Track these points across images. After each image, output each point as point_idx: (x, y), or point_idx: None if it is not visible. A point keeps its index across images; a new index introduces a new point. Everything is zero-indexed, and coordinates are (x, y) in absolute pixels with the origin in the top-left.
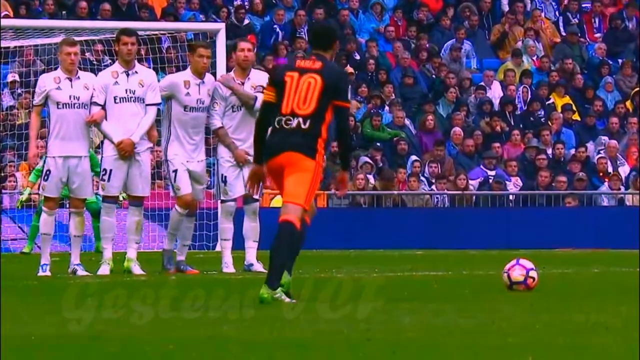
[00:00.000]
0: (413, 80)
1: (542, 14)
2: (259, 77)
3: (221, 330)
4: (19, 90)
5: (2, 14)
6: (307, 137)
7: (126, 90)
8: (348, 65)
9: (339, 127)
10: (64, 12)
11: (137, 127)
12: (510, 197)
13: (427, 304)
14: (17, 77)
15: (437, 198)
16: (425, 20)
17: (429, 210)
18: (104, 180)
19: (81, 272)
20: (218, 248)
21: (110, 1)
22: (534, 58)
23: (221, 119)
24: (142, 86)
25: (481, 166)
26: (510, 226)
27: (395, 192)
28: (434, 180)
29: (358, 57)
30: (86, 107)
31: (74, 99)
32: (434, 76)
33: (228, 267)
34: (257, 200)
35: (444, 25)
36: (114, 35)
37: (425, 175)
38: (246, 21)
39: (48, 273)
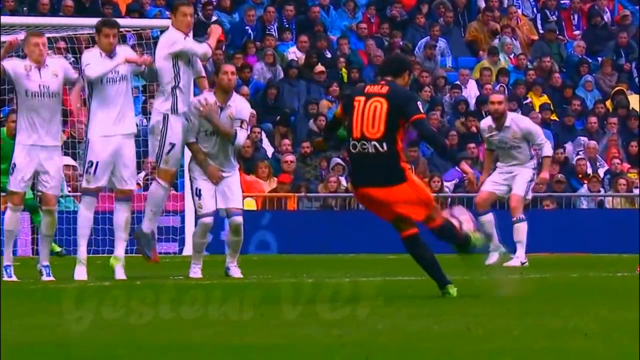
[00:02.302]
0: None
1: (519, 11)
2: (241, 108)
3: (190, 335)
4: None
5: None
6: (389, 161)
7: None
8: (319, 64)
9: (424, 139)
10: (25, 8)
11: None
12: None
13: (402, 309)
14: None
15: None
16: (398, 17)
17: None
18: (89, 173)
19: (46, 276)
20: (185, 252)
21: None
22: (511, 56)
23: (194, 135)
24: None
25: (456, 167)
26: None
27: None
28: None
29: (329, 55)
30: (56, 95)
31: (44, 87)
32: None
33: (196, 273)
34: (240, 214)
35: (418, 22)
36: (76, 33)
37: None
38: (214, 18)
39: (14, 277)
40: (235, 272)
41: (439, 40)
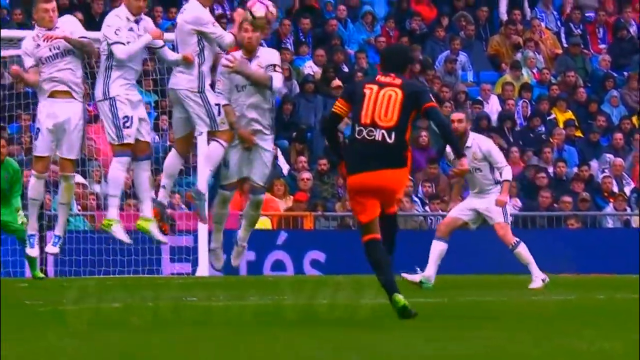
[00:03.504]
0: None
1: (543, 24)
2: (268, 55)
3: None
4: None
5: None
6: (394, 151)
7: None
8: (336, 79)
9: (437, 125)
10: (34, 22)
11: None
12: (509, 218)
13: (418, 331)
14: None
15: (431, 219)
16: (418, 30)
17: (423, 233)
18: (128, 127)
19: (52, 246)
20: (198, 273)
21: (83, 11)
22: (534, 70)
23: (226, 96)
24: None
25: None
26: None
27: None
28: (427, 201)
29: (347, 70)
30: (69, 53)
31: (55, 49)
32: (427, 89)
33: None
34: (262, 192)
35: (438, 35)
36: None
37: (418, 195)
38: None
39: (35, 249)
40: (237, 259)
41: (459, 54)
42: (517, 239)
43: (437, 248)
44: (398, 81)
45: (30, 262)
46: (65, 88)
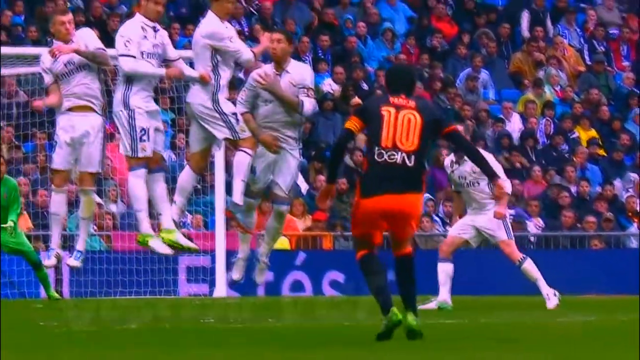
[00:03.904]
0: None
1: (566, 41)
2: (300, 73)
3: None
4: (1, 124)
5: None
6: (414, 175)
7: None
8: (355, 96)
9: (464, 150)
10: (49, 38)
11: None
12: (531, 238)
13: (436, 353)
14: None
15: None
16: (439, 47)
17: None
18: (144, 140)
19: (74, 260)
20: (216, 294)
21: (99, 28)
22: (557, 88)
23: (246, 105)
24: None
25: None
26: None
27: None
28: (448, 221)
29: (366, 87)
30: (84, 68)
31: (70, 64)
32: (448, 107)
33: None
34: (286, 203)
35: (460, 53)
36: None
37: (439, 215)
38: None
39: (53, 260)
40: (261, 276)
41: (481, 72)
42: (524, 255)
43: (444, 270)
44: (412, 103)
45: (43, 282)
46: (83, 102)
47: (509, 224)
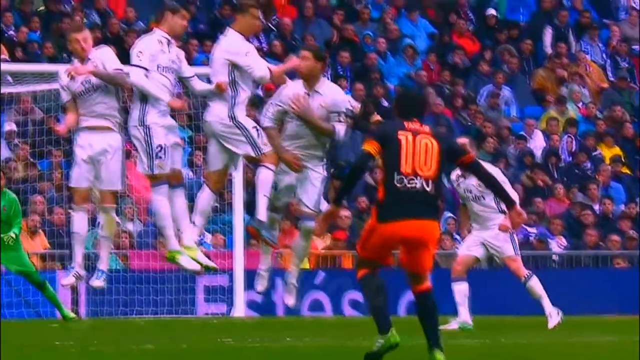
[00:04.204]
0: (447, 129)
1: (589, 57)
2: (333, 96)
3: None
4: (16, 141)
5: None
6: (434, 201)
7: None
8: (375, 113)
9: (483, 179)
10: (65, 55)
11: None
12: (554, 257)
13: None
14: (14, 127)
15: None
16: (460, 64)
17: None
18: (160, 158)
19: (96, 280)
20: (234, 313)
21: (116, 45)
22: (580, 105)
23: (272, 121)
24: None
25: (522, 224)
26: (554, 289)
27: None
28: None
29: (387, 104)
30: (101, 86)
31: (87, 83)
32: (470, 125)
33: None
34: (313, 219)
35: (481, 69)
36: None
37: (459, 233)
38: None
39: (71, 280)
40: (289, 297)
41: (503, 89)
42: (529, 272)
43: (459, 290)
44: (427, 129)
45: (53, 301)
46: (101, 121)
47: (516, 240)
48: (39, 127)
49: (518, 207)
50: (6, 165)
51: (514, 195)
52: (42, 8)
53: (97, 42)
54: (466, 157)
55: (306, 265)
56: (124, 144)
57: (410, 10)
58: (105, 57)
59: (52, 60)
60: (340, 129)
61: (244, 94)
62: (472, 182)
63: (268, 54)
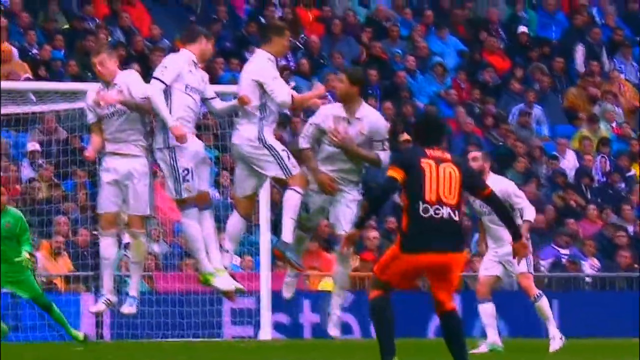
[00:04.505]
0: (477, 148)
1: (622, 76)
2: (373, 123)
3: None
4: (40, 161)
5: (23, 77)
6: (459, 230)
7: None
8: (404, 132)
9: (499, 209)
10: (89, 73)
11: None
12: (587, 279)
13: None
14: (37, 147)
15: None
16: (491, 82)
17: (496, 294)
18: (188, 181)
19: (128, 306)
20: (261, 336)
21: (140, 63)
22: (613, 124)
23: (309, 141)
24: None
25: (553, 245)
26: (587, 312)
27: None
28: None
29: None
30: (127, 114)
31: (112, 107)
32: (500, 144)
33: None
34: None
35: (512, 87)
36: None
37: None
38: (292, 83)
39: (101, 306)
40: (334, 329)
41: (534, 107)
42: (540, 292)
43: (486, 311)
44: (448, 156)
45: (60, 322)
46: (126, 147)
47: (531, 258)
48: (62, 146)
49: (524, 239)
50: (29, 185)
51: (531, 212)
52: (66, 26)
53: (121, 60)
54: (485, 191)
55: (330, 287)
56: (151, 168)
57: (439, 27)
58: (131, 83)
59: (76, 78)
60: (383, 155)
61: (272, 115)
62: None
63: (295, 72)
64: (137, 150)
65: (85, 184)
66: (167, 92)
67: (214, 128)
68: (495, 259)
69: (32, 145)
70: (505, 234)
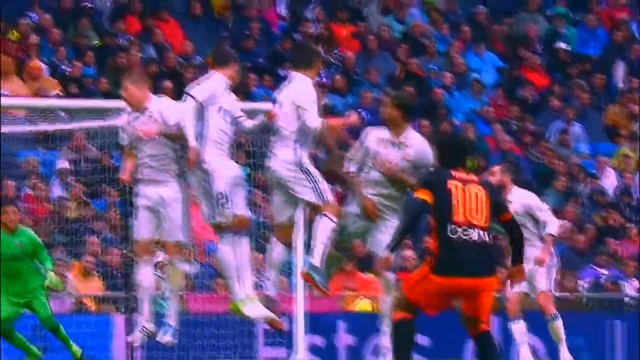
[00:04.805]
0: (515, 167)
1: None
2: (420, 151)
3: None
4: (70, 179)
5: (53, 94)
6: (490, 252)
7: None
8: None
9: (516, 235)
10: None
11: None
12: (628, 300)
13: None
14: (67, 165)
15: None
16: (529, 99)
17: (533, 315)
18: (224, 206)
19: (169, 336)
20: (295, 358)
21: (173, 80)
22: None
23: (357, 164)
24: None
25: (593, 265)
26: (629, 334)
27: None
28: None
29: None
30: (158, 140)
31: (142, 133)
32: (539, 162)
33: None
34: (391, 269)
35: (552, 105)
36: None
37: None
38: (326, 101)
39: (139, 336)
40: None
41: (574, 125)
42: (557, 313)
43: (517, 329)
44: (474, 177)
45: (64, 340)
46: (158, 174)
47: (554, 275)
48: (93, 164)
49: (522, 266)
50: (59, 204)
51: (554, 225)
52: (97, 42)
53: (153, 77)
54: (507, 216)
55: (368, 308)
56: (185, 193)
57: (477, 43)
58: (165, 111)
59: (107, 95)
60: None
61: (310, 138)
62: (513, 208)
63: (330, 89)
64: (168, 176)
65: (116, 203)
66: (201, 112)
67: (247, 145)
68: None
69: (62, 163)
70: (529, 250)
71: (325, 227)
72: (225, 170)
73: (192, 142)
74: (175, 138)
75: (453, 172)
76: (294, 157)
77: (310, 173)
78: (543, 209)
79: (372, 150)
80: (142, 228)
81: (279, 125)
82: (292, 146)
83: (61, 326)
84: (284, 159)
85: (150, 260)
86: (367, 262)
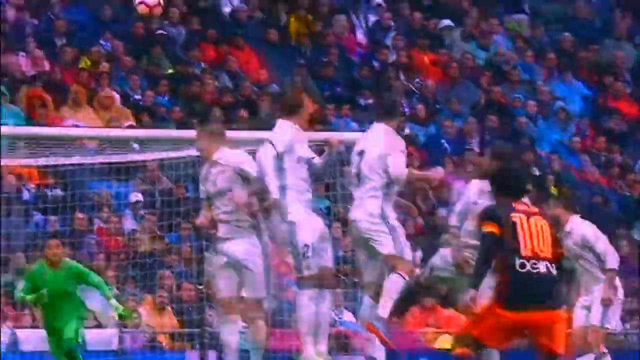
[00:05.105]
0: (602, 199)
1: None
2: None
3: None
4: (142, 212)
5: (125, 124)
6: (558, 286)
7: None
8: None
9: (568, 271)
10: (195, 120)
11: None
12: None
13: None
14: (140, 197)
15: (632, 338)
16: (617, 129)
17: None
18: (307, 257)
19: None
20: None
21: (248, 109)
22: None
23: (459, 219)
24: None
25: None
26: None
27: None
28: (627, 319)
29: (537, 172)
30: (231, 190)
31: (212, 185)
32: (627, 195)
33: None
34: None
35: None
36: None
37: None
38: (407, 131)
39: None
40: None
41: None
42: (606, 351)
43: None
44: (535, 209)
45: None
46: (232, 227)
47: (614, 313)
48: (166, 197)
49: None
50: (132, 237)
51: (614, 259)
52: (170, 70)
53: (228, 107)
54: (559, 250)
55: (449, 345)
56: (263, 246)
57: (562, 71)
58: (244, 165)
59: (181, 125)
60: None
61: (395, 187)
62: (569, 242)
63: (410, 118)
64: (245, 231)
65: (190, 237)
66: (280, 163)
67: (325, 177)
68: (581, 304)
69: (135, 196)
70: (591, 279)
71: (396, 285)
72: (310, 223)
73: (276, 194)
74: (256, 193)
75: (515, 204)
76: (379, 209)
77: (395, 229)
78: (601, 240)
79: (472, 202)
80: (224, 286)
81: (364, 175)
82: (378, 197)
83: (79, 353)
84: (368, 208)
85: (234, 320)
86: (448, 299)
